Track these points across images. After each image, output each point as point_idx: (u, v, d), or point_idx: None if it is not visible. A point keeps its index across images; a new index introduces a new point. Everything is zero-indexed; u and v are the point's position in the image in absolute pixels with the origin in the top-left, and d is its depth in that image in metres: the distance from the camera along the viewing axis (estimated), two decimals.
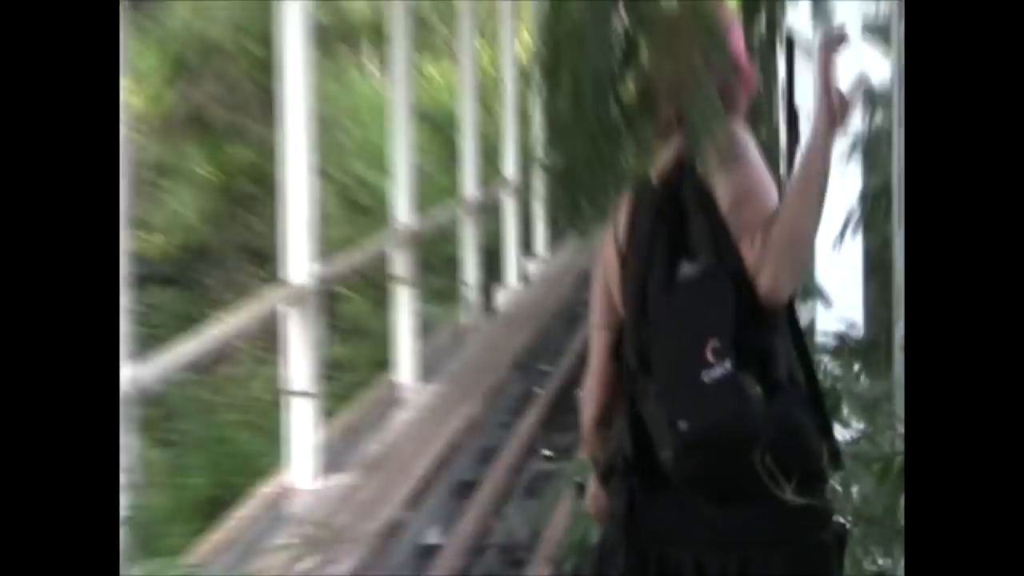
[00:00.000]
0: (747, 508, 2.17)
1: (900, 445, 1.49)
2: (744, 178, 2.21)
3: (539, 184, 11.14)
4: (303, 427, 5.73)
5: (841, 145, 4.30)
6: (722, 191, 2.19)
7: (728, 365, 2.09)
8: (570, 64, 1.82)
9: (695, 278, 2.16)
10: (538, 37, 1.91)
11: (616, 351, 2.31)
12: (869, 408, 3.03)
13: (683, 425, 2.11)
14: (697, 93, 1.88)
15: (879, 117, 5.09)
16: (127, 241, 4.02)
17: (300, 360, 5.72)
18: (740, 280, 2.15)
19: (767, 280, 2.13)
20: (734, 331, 2.11)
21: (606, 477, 2.31)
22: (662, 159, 2.26)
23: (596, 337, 2.37)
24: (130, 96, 9.03)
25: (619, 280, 2.29)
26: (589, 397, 2.38)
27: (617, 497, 2.26)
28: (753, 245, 2.14)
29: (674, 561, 2.22)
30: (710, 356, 2.09)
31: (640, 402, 2.21)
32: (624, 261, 2.27)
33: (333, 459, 5.92)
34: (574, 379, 7.56)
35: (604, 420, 2.35)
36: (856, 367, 3.55)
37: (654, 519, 2.23)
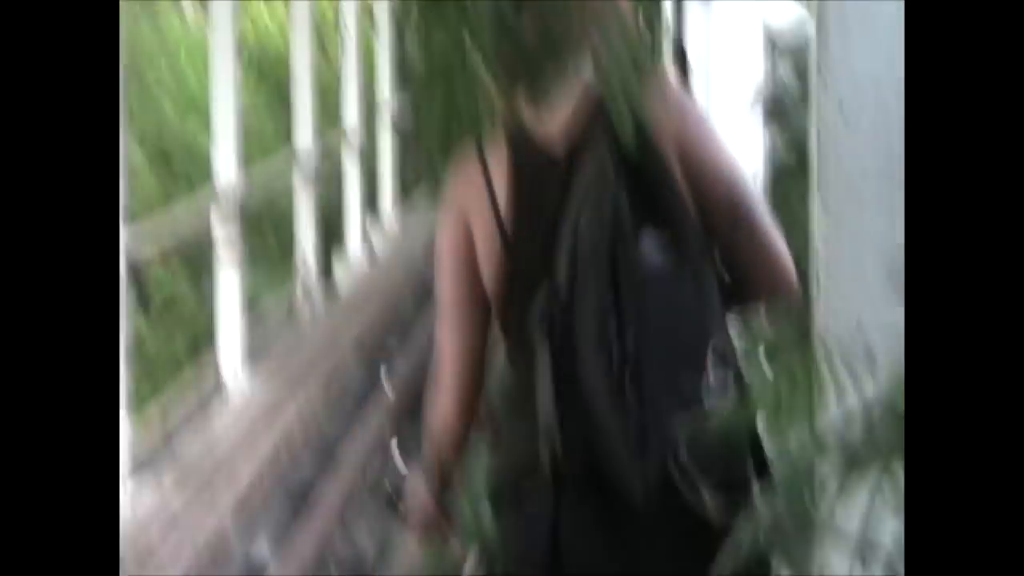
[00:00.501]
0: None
1: (822, 463, 1.41)
2: (713, 142, 2.18)
3: (388, 137, 11.05)
4: None
5: (741, 103, 4.25)
6: (690, 156, 2.13)
7: (726, 379, 2.07)
8: None
9: (676, 265, 2.10)
10: None
11: (480, 356, 2.22)
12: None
13: (682, 453, 2.04)
14: (607, 16, 1.78)
15: (783, 69, 5.04)
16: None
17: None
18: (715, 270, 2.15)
19: (789, 275, 2.15)
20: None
21: (498, 497, 2.20)
22: (560, 108, 2.16)
23: (452, 340, 2.24)
24: None
25: (499, 265, 2.16)
26: (442, 420, 2.26)
27: (531, 523, 2.13)
28: (755, 230, 2.14)
29: None
30: (709, 368, 2.06)
31: (592, 411, 2.08)
32: (513, 240, 2.14)
33: (142, 464, 5.79)
34: (431, 366, 7.51)
35: (462, 440, 2.27)
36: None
37: (596, 552, 2.11)
